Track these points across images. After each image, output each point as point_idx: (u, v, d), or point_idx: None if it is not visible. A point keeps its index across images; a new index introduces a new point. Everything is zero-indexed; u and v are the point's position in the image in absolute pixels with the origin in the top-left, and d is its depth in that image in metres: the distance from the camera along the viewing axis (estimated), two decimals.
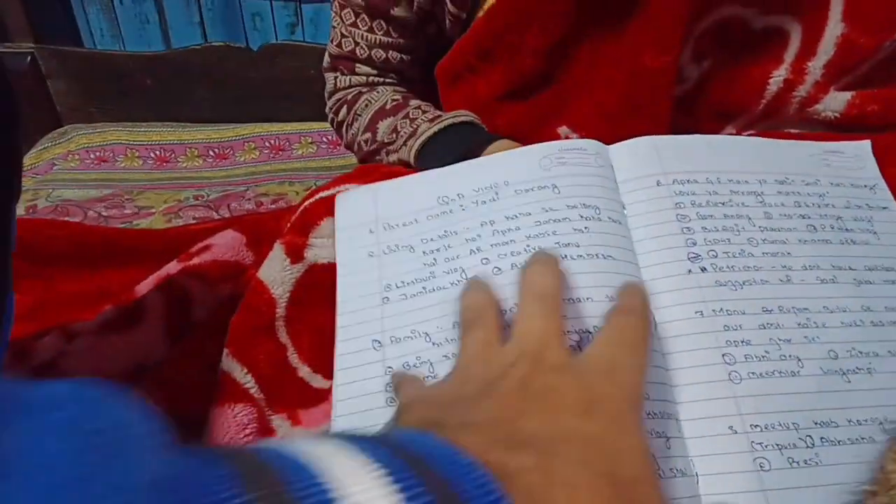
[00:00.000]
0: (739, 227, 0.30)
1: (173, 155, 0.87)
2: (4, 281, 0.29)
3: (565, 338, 0.23)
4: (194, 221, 0.69)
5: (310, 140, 0.88)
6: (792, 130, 0.45)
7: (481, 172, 0.34)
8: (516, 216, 0.31)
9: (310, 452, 0.14)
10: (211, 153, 0.86)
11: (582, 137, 0.50)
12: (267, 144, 0.87)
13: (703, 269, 0.28)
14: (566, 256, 0.29)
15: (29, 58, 0.92)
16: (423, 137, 0.48)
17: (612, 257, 0.28)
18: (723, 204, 0.30)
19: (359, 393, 0.29)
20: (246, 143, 0.87)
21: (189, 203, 0.75)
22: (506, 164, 0.34)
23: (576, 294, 0.27)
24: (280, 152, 0.87)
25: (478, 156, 0.45)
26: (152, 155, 0.87)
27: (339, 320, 0.32)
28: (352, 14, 0.53)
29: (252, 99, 0.94)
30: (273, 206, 0.74)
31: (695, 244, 0.29)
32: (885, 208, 0.32)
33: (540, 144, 0.35)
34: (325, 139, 0.88)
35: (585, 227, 0.29)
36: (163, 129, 0.90)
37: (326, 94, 0.59)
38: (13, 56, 0.90)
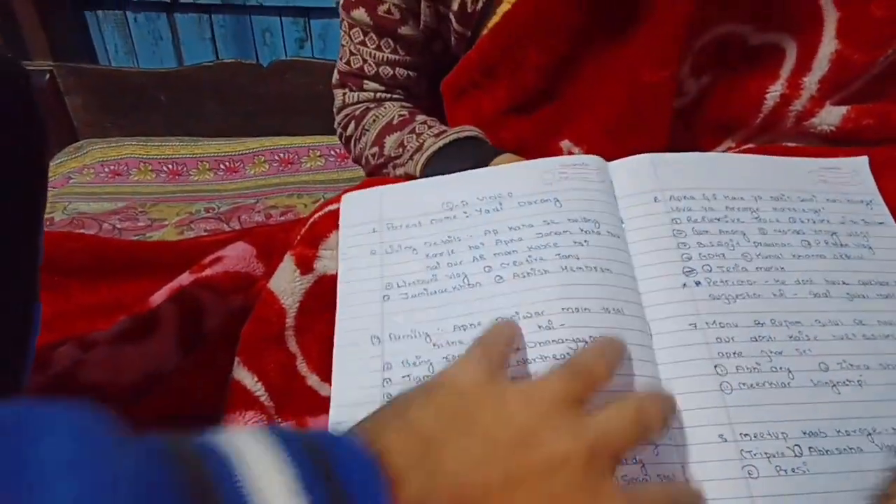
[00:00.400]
0: (734, 243, 0.31)
1: (185, 168, 0.89)
2: (32, 293, 0.31)
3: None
4: (206, 233, 0.71)
5: (318, 153, 0.90)
6: (789, 144, 0.46)
7: (486, 182, 0.35)
8: (519, 227, 0.32)
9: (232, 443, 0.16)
10: (222, 167, 0.88)
11: (584, 151, 0.51)
12: (276, 158, 0.89)
13: (698, 283, 0.29)
14: (566, 268, 0.30)
15: (48, 75, 0.95)
16: (428, 152, 0.49)
17: (610, 270, 0.29)
18: (718, 220, 0.31)
19: (355, 386, 0.30)
20: (256, 157, 0.89)
21: (200, 215, 0.76)
22: (510, 176, 0.35)
23: (573, 305, 0.28)
24: (289, 165, 0.89)
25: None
26: (165, 168, 0.89)
27: (339, 314, 0.32)
28: (360, 33, 0.55)
29: (262, 113, 0.96)
30: (282, 219, 0.76)
31: (690, 258, 0.30)
32: (881, 223, 0.33)
33: (543, 159, 0.36)
34: (333, 152, 0.90)
35: (585, 241, 0.30)
36: (175, 144, 0.93)
37: (335, 110, 0.60)
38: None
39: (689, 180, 0.33)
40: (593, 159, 0.35)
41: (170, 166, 0.89)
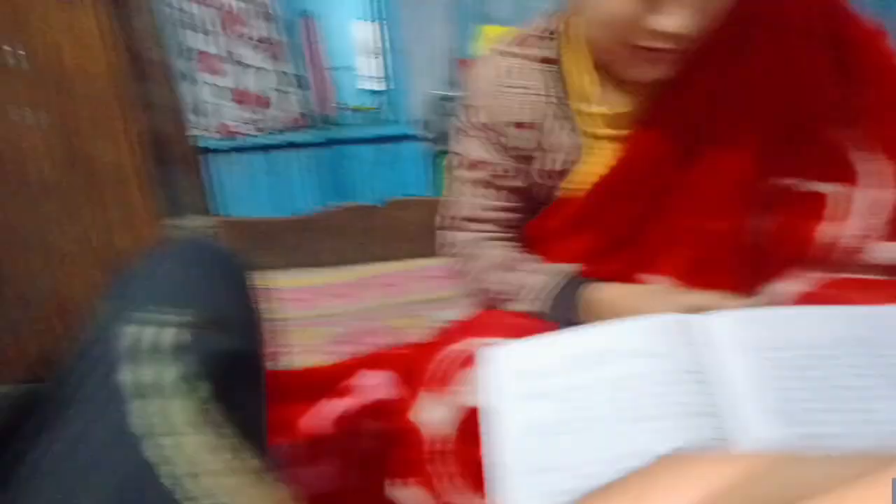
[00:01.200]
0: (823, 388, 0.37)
1: (307, 296, 1.03)
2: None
3: None
4: (336, 357, 0.81)
5: (430, 275, 1.01)
6: (856, 276, 0.52)
7: (601, 337, 0.42)
8: (631, 378, 0.39)
9: None
10: (341, 292, 1.01)
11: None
12: (391, 282, 1.01)
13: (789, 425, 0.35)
14: (676, 414, 0.37)
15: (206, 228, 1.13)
16: (537, 296, 0.57)
17: (714, 415, 0.36)
18: (804, 367, 0.38)
19: None
20: (371, 281, 1.02)
21: (327, 339, 0.88)
22: (621, 332, 0.42)
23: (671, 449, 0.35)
24: (401, 288, 1.00)
25: (588, 302, 0.55)
26: (291, 297, 1.03)
27: (489, 453, 0.38)
28: (469, 184, 0.64)
29: (374, 243, 1.11)
30: (403, 339, 0.84)
31: (787, 401, 0.36)
32: None
33: (651, 316, 0.43)
34: (442, 273, 0.99)
35: (691, 390, 0.38)
36: (294, 275, 1.07)
37: (443, 248, 0.69)
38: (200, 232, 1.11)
39: (778, 334, 0.40)
40: (695, 317, 0.41)
41: (295, 295, 1.03)
